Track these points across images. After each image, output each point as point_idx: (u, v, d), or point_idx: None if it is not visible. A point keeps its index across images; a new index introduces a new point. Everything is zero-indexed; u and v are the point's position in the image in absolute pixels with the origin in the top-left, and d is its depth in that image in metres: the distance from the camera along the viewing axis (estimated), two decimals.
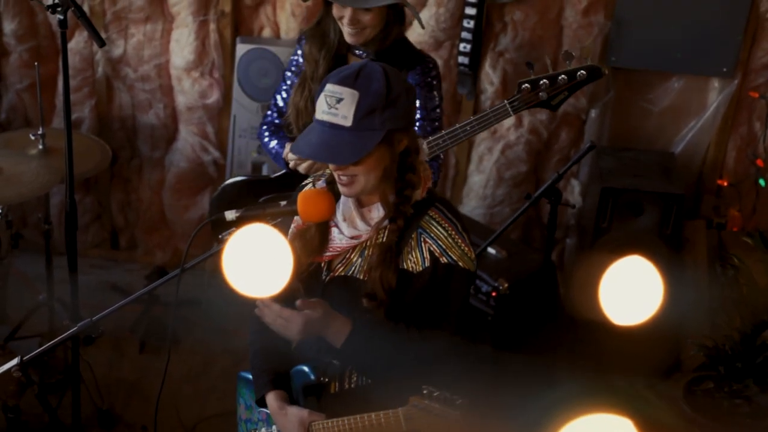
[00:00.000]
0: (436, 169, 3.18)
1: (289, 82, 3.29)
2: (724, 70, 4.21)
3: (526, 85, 3.07)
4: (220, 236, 3.21)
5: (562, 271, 4.52)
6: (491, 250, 3.83)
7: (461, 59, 4.19)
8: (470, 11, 4.10)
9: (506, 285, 3.71)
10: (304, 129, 3.10)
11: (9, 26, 4.41)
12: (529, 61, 3.12)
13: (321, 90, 2.19)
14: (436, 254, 2.24)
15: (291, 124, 3.22)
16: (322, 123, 2.18)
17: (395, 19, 3.06)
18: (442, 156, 3.20)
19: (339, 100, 2.14)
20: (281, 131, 3.30)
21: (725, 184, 4.39)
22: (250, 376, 2.53)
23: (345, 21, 2.99)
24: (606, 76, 4.26)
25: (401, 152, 2.24)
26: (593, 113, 4.36)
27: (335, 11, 3.02)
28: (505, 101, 3.09)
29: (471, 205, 4.53)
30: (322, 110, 2.17)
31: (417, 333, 2.25)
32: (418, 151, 2.30)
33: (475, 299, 3.74)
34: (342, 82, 2.15)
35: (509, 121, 4.35)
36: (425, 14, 4.21)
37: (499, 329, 3.73)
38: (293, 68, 3.28)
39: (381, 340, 2.25)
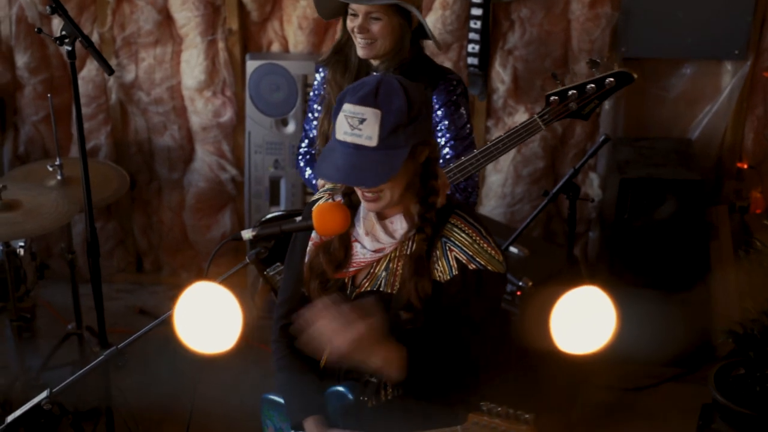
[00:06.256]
0: (474, 188, 3.16)
1: (315, 114, 3.30)
2: (736, 52, 4.18)
3: (555, 97, 3.04)
4: (265, 272, 3.18)
5: (586, 265, 4.51)
6: (513, 249, 3.82)
7: (470, 60, 4.19)
8: (476, 12, 4.10)
9: (530, 283, 3.69)
10: None
11: (21, 59, 4.46)
12: (554, 72, 3.10)
13: (339, 109, 2.16)
14: (464, 261, 2.24)
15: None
16: (345, 144, 2.14)
17: (409, 33, 3.05)
18: (476, 176, 3.17)
19: (362, 120, 2.11)
20: (316, 160, 3.31)
21: (745, 166, 4.35)
22: (277, 398, 2.52)
23: (356, 29, 3.00)
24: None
25: (423, 162, 2.24)
26: (607, 105, 4.33)
27: (349, 23, 3.03)
28: (535, 116, 3.07)
29: (491, 205, 4.53)
30: (344, 131, 2.14)
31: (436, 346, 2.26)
32: (439, 159, 2.29)
33: None
34: (362, 102, 2.12)
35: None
36: (431, 17, 4.22)
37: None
38: (316, 98, 3.29)
39: (425, 356, 2.24)
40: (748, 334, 3.40)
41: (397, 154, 2.13)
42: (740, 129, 4.34)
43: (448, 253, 2.25)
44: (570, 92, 3.03)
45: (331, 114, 3.11)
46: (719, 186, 4.43)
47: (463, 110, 3.13)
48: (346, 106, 2.14)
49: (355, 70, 3.11)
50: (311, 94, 3.33)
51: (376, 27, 2.98)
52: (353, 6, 2.98)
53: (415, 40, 3.09)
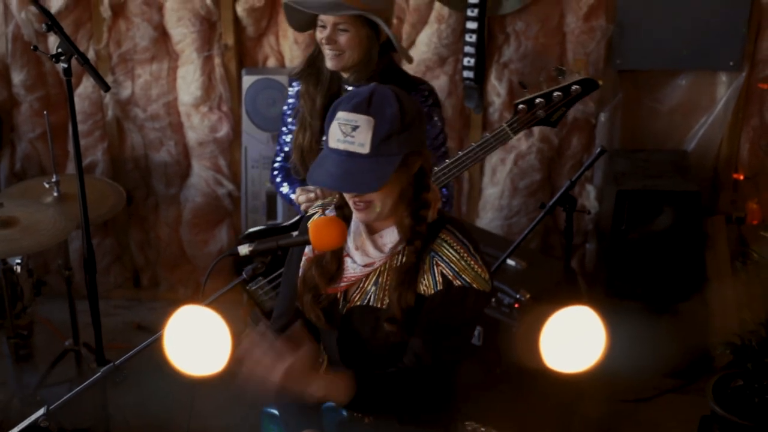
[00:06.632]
0: (448, 198, 3.18)
1: (290, 127, 3.31)
2: (731, 63, 4.19)
3: (522, 105, 3.10)
4: (248, 287, 3.23)
5: (584, 276, 4.51)
6: (511, 262, 3.81)
7: (466, 74, 4.19)
8: (471, 25, 4.10)
9: (528, 296, 3.69)
10: None
11: (18, 77, 4.46)
12: (522, 81, 3.14)
13: (332, 117, 2.17)
14: (449, 277, 2.24)
15: (297, 166, 3.23)
16: (338, 152, 2.15)
17: (377, 45, 3.08)
18: (452, 186, 3.19)
19: (354, 128, 2.12)
20: (292, 175, 3.32)
21: (741, 177, 4.36)
22: (275, 412, 2.52)
23: (324, 40, 3.05)
24: (613, 79, 4.28)
25: (415, 173, 2.24)
26: (603, 117, 4.34)
27: (318, 35, 3.09)
28: (504, 124, 3.12)
29: (488, 218, 4.53)
30: (337, 138, 2.15)
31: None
32: (431, 171, 2.30)
33: (497, 312, 3.73)
34: (355, 109, 2.13)
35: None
36: (427, 31, 4.23)
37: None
38: (290, 112, 3.31)
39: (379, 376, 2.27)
40: (746, 346, 3.41)
41: (389, 161, 2.13)
42: (736, 140, 4.35)
43: (435, 267, 2.25)
44: (537, 100, 3.09)
45: (305, 127, 3.15)
46: (715, 197, 4.43)
47: (436, 119, 3.16)
48: (340, 114, 2.15)
49: (327, 83, 3.14)
50: (285, 108, 3.35)
51: (343, 38, 3.03)
52: (322, 17, 3.04)
53: (384, 51, 3.12)
